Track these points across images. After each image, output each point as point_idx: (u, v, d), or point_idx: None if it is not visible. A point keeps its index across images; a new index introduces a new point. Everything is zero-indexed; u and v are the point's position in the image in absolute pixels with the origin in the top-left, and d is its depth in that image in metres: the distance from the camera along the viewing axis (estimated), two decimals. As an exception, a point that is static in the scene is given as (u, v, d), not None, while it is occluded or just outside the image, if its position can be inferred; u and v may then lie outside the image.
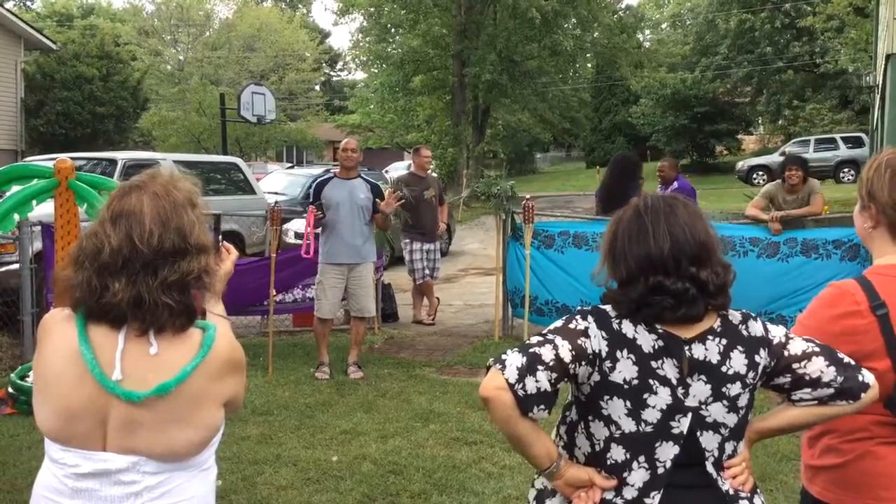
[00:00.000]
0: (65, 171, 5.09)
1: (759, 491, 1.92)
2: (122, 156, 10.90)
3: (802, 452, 2.25)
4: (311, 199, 6.74)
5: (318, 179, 6.89)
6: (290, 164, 30.09)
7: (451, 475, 4.48)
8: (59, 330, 1.75)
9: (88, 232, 1.78)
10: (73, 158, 5.42)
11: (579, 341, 1.81)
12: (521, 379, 1.76)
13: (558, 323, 1.88)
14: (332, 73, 53.16)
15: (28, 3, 43.63)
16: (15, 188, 5.25)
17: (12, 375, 5.74)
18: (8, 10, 21.13)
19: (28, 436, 4.90)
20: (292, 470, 4.55)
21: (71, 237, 5.05)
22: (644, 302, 1.81)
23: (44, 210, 5.72)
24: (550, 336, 1.83)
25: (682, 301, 1.80)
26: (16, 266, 6.82)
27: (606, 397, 1.82)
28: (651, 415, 1.80)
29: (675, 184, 8.33)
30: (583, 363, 1.81)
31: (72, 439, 1.72)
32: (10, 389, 5.57)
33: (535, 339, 1.84)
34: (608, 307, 1.88)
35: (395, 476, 4.47)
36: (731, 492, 1.84)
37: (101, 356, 1.69)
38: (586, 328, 1.84)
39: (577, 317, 1.87)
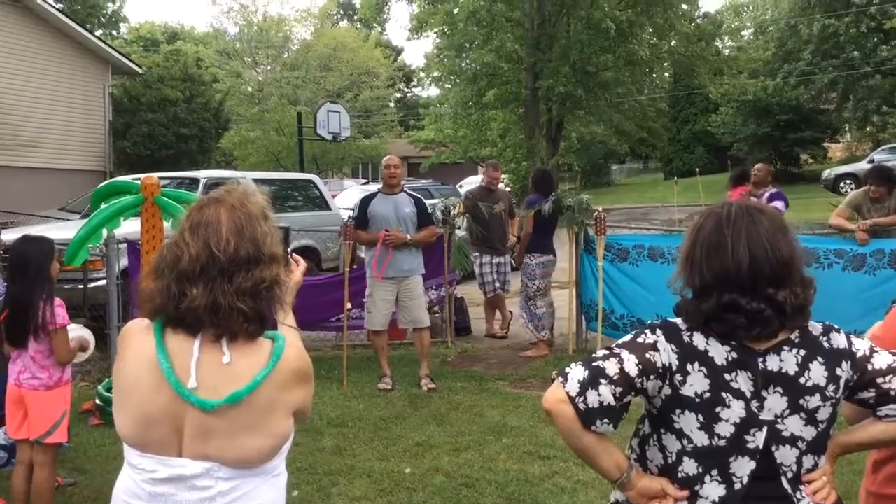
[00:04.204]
0: (150, 188, 5.30)
1: None
2: (203, 174, 11.27)
3: (865, 476, 2.14)
4: (356, 215, 6.85)
5: (364, 196, 7.03)
6: (364, 181, 30.53)
7: (524, 489, 4.45)
8: (137, 339, 1.82)
9: (168, 242, 1.86)
10: (158, 178, 5.63)
11: (647, 355, 1.79)
12: (582, 392, 1.76)
13: (627, 337, 1.87)
14: (406, 90, 53.77)
15: (114, 32, 45.53)
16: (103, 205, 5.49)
17: (100, 387, 5.96)
18: (96, 37, 22.08)
19: (114, 446, 5.08)
20: (366, 481, 4.60)
21: (156, 251, 5.24)
22: (715, 317, 1.78)
23: (129, 228, 5.95)
24: (617, 350, 1.82)
25: (756, 322, 1.75)
26: (104, 282, 7.10)
27: (678, 411, 1.80)
28: (724, 428, 1.76)
29: (770, 189, 8.08)
30: (651, 377, 1.79)
31: (149, 445, 1.78)
32: (98, 401, 5.80)
33: (600, 353, 1.83)
34: (678, 320, 1.85)
35: (468, 489, 4.46)
36: None
37: (177, 365, 1.75)
38: (655, 342, 1.81)
39: (646, 331, 1.85)
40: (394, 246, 6.57)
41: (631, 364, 1.78)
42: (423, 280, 6.93)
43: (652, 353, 1.80)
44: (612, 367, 1.77)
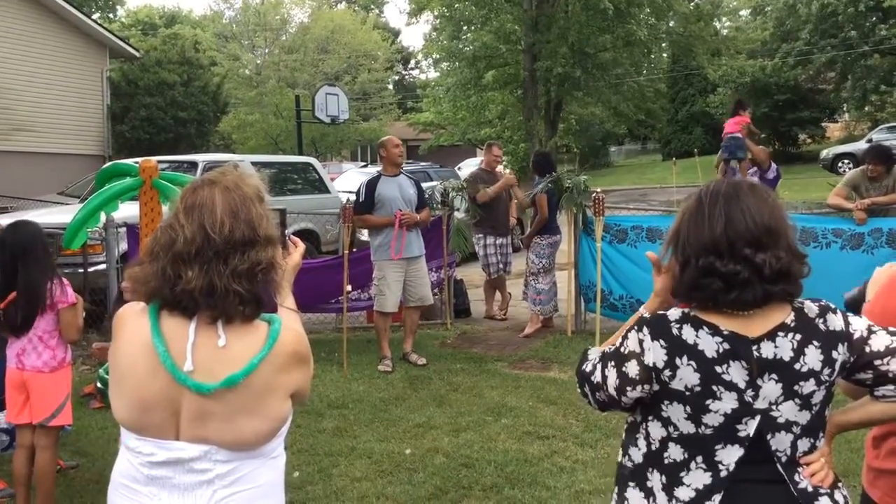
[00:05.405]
0: (149, 171, 5.28)
1: (840, 485, 1.84)
2: (202, 158, 11.23)
3: (866, 452, 2.14)
4: (363, 199, 6.79)
5: (369, 180, 7.00)
6: (363, 164, 30.46)
7: (523, 469, 4.48)
8: (132, 323, 1.82)
9: (163, 225, 1.84)
10: (157, 161, 5.63)
11: (629, 366, 1.83)
12: (592, 371, 1.93)
13: (616, 340, 1.89)
14: (404, 72, 53.53)
15: (111, 15, 45.28)
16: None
17: (100, 371, 5.98)
18: (94, 21, 21.95)
19: (115, 429, 5.06)
20: (366, 462, 4.63)
21: (155, 235, 5.25)
22: (695, 284, 1.76)
23: (128, 212, 5.95)
24: (610, 362, 1.88)
25: (733, 284, 1.72)
26: (103, 266, 7.11)
27: (667, 402, 1.79)
28: (713, 419, 1.75)
29: (774, 167, 8.13)
30: (637, 386, 1.82)
31: (146, 429, 1.78)
32: (99, 384, 5.81)
33: (594, 355, 1.94)
34: (669, 311, 1.83)
35: (467, 469, 4.49)
36: (810, 488, 1.77)
37: (173, 348, 1.75)
38: (640, 344, 1.80)
39: (633, 329, 1.84)
40: (408, 227, 6.64)
41: (612, 378, 1.86)
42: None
43: (636, 360, 1.81)
44: (611, 377, 1.86)
